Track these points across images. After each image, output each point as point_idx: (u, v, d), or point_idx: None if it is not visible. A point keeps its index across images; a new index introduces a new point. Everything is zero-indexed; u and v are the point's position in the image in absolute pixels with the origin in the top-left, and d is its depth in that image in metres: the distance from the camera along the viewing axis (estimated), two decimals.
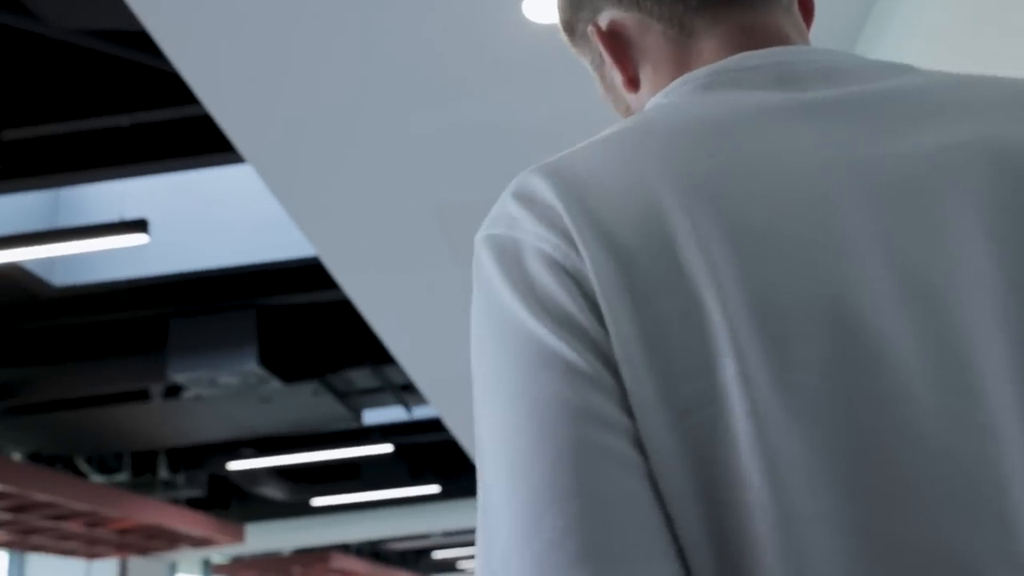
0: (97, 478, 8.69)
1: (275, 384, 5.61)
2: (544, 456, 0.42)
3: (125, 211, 4.41)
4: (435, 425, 8.78)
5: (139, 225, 3.52)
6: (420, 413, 8.16)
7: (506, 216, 0.48)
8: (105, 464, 8.87)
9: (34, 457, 7.97)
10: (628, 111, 0.63)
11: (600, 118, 2.37)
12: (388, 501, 11.89)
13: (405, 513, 12.66)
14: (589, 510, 0.40)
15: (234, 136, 2.29)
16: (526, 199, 0.48)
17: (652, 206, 0.45)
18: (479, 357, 0.47)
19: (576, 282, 0.45)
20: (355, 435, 9.04)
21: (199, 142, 3.63)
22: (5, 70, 3.34)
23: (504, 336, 0.45)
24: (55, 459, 8.21)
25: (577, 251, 0.45)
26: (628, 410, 0.43)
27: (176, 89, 3.37)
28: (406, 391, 6.94)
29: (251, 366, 5.09)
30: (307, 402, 6.69)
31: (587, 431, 0.42)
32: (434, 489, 10.76)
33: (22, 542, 8.74)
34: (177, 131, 3.64)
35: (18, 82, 3.37)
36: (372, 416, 8.59)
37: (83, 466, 8.59)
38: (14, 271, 4.53)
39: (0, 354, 5.68)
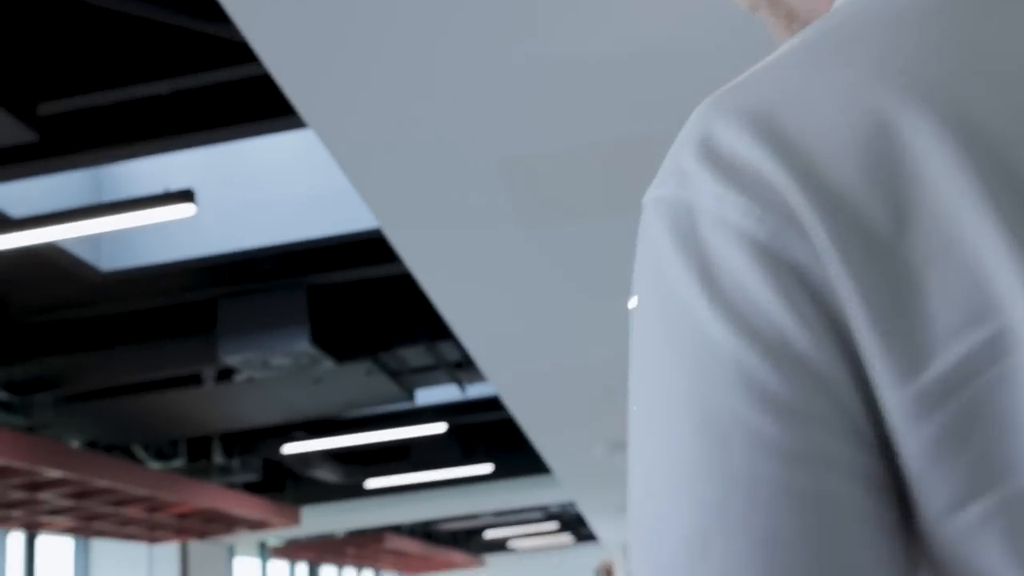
0: (154, 465, 8.80)
1: (327, 364, 5.53)
2: (733, 507, 0.35)
3: (169, 187, 4.31)
4: (489, 404, 8.68)
5: (185, 195, 3.40)
6: (473, 392, 8.08)
7: (677, 170, 0.39)
8: (161, 451, 8.99)
9: (91, 446, 8.08)
10: (790, 15, 0.54)
11: (698, 44, 2.13)
12: (441, 482, 11.90)
13: (457, 493, 12.72)
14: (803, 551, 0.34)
15: (291, 92, 2.14)
16: (712, 157, 0.38)
17: (883, 135, 0.36)
18: (643, 353, 0.39)
19: (797, 277, 0.36)
20: (407, 415, 9.02)
21: (242, 108, 3.49)
22: (35, 39, 3.22)
23: (679, 343, 0.37)
24: (112, 448, 8.32)
25: (802, 232, 0.36)
26: (860, 438, 0.35)
27: (215, 51, 3.22)
28: (460, 368, 6.84)
29: (303, 345, 5.00)
30: (360, 382, 6.64)
31: (794, 474, 0.34)
32: (487, 469, 10.73)
33: (86, 528, 8.94)
34: (219, 97, 3.50)
35: (49, 51, 3.25)
36: (425, 396, 8.55)
37: (140, 453, 8.71)
38: (60, 256, 4.47)
39: (51, 342, 5.69)
